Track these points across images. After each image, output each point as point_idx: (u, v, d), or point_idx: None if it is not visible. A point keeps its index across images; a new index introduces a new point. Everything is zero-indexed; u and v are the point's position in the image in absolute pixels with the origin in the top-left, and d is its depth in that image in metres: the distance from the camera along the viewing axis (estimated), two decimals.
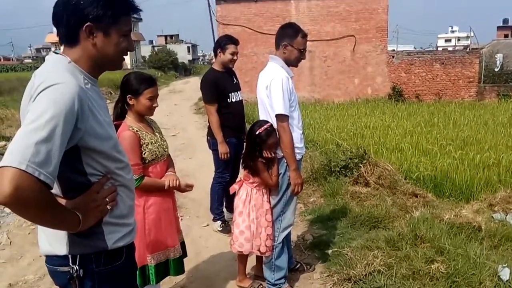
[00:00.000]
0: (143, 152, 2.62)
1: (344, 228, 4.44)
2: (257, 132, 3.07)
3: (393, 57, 18.58)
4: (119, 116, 2.70)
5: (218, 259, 4.06)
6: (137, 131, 2.61)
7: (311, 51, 18.19)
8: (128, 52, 1.67)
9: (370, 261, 3.42)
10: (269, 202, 3.28)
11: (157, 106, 2.72)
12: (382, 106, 15.55)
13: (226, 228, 4.63)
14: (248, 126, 3.43)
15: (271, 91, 3.08)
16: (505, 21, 45.45)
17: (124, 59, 1.69)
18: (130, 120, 2.65)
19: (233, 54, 4.35)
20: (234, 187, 3.35)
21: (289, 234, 3.49)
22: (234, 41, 4.38)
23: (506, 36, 38.34)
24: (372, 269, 3.34)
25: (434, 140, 8.57)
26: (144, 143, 2.62)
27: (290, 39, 3.15)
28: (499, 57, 23.18)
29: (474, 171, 6.28)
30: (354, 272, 3.35)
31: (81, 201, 1.47)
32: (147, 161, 2.65)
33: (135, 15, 1.81)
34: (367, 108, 14.66)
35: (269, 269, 3.35)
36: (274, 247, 3.30)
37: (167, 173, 2.80)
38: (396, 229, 4.11)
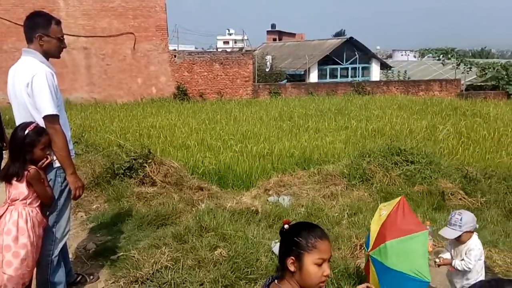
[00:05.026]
0: None
1: (131, 231, 4.30)
2: (26, 132, 2.65)
3: (175, 56, 19.03)
4: None
5: None
6: None
7: (86, 48, 17.14)
8: None
9: (158, 259, 3.41)
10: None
11: None
12: (168, 105, 15.80)
13: None
14: (9, 132, 2.92)
15: (33, 89, 2.70)
16: (273, 26, 51.04)
17: None
18: None
19: None
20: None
21: (65, 246, 3.14)
22: None
23: (274, 39, 43.12)
24: (159, 266, 3.34)
25: (218, 136, 9.14)
26: None
27: (44, 29, 2.83)
28: (268, 58, 26.30)
29: (252, 161, 6.91)
30: (141, 273, 3.29)
31: None
32: None
33: None
34: (153, 108, 14.66)
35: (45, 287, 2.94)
36: (50, 261, 2.91)
37: None
38: (183, 224, 4.21)
